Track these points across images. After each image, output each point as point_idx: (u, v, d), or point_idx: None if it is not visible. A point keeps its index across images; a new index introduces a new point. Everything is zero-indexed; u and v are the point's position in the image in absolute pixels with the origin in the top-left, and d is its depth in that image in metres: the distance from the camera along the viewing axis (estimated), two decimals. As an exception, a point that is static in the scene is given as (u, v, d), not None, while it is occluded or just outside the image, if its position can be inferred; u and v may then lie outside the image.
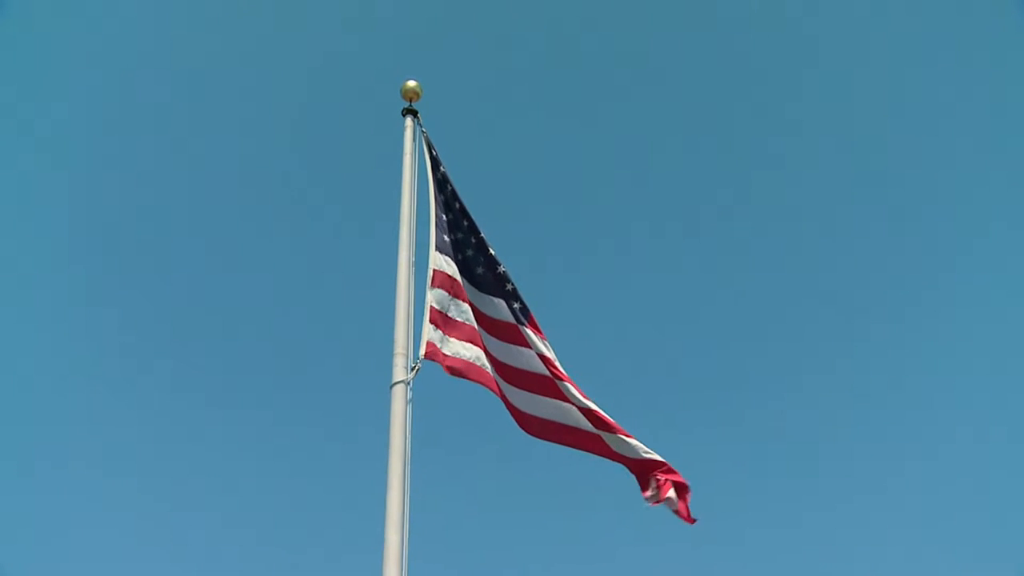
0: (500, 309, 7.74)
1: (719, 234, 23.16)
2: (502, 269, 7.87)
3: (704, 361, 22.08)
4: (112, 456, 18.37)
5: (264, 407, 20.48)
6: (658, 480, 7.23)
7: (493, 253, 7.94)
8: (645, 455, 7.34)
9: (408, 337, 6.80)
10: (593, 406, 7.44)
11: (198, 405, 20.12)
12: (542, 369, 7.57)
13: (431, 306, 7.06)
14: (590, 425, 7.45)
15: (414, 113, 8.44)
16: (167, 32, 21.28)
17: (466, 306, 7.47)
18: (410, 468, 6.14)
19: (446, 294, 7.31)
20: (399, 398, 6.41)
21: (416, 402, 6.53)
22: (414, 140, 8.24)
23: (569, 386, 7.50)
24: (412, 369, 6.60)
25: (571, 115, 24.09)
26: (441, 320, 7.14)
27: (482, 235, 7.98)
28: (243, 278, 21.97)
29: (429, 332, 6.88)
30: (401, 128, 8.32)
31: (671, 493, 7.18)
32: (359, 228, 21.79)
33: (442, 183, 8.12)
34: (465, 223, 7.97)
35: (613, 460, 7.51)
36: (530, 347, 7.65)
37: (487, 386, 7.27)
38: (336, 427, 20.27)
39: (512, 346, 7.65)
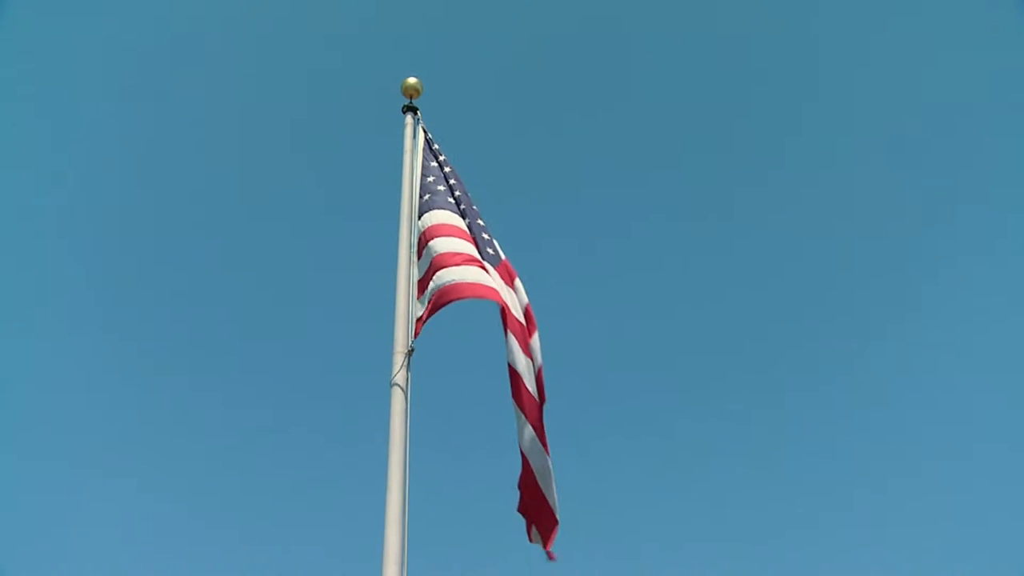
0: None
1: (726, 232, 23.11)
2: (481, 221, 7.57)
3: (714, 360, 21.99)
4: (111, 456, 18.35)
5: (264, 406, 20.45)
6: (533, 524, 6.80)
7: (476, 208, 7.68)
8: (542, 485, 6.72)
9: (408, 336, 6.69)
10: (538, 402, 6.91)
11: (198, 404, 20.13)
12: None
13: (417, 280, 6.90)
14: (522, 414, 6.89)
15: (414, 110, 8.39)
16: (167, 31, 21.33)
17: (452, 239, 7.10)
18: (409, 466, 6.06)
19: (426, 244, 7.07)
20: (398, 396, 6.34)
21: (419, 401, 6.47)
22: (414, 138, 8.16)
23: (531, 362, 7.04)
24: (407, 354, 6.48)
25: (572, 114, 24.11)
26: (428, 271, 6.85)
27: (475, 207, 7.74)
28: (243, 277, 21.98)
29: (417, 309, 6.72)
30: (401, 125, 8.27)
31: (535, 533, 6.77)
32: (359, 226, 21.78)
33: (435, 155, 8.03)
34: (452, 182, 7.80)
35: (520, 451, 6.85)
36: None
37: (477, 296, 6.66)
38: (337, 426, 20.25)
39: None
